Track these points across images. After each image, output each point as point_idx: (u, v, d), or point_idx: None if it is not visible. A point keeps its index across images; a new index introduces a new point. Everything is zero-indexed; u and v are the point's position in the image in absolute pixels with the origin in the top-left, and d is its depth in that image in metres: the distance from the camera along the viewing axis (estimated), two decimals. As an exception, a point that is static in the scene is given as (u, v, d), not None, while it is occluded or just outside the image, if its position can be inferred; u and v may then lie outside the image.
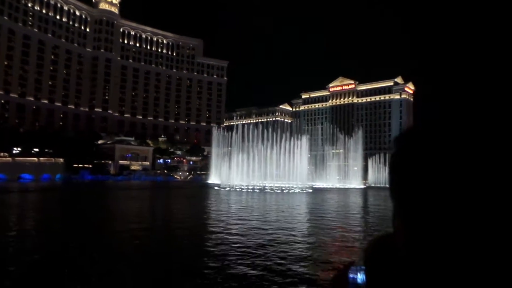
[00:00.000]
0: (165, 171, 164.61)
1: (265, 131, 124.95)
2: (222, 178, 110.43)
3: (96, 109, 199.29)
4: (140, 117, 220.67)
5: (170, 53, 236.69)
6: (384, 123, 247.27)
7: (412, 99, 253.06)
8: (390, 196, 0.61)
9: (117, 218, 30.29)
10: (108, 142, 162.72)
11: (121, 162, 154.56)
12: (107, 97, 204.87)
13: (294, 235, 20.55)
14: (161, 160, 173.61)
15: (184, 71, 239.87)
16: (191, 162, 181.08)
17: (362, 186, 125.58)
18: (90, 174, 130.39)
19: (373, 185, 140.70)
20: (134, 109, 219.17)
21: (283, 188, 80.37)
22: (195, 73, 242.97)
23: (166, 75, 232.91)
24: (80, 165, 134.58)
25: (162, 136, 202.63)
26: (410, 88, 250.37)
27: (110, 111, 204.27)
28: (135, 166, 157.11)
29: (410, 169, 0.57)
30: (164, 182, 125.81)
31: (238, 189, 76.54)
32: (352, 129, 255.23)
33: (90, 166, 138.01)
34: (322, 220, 29.52)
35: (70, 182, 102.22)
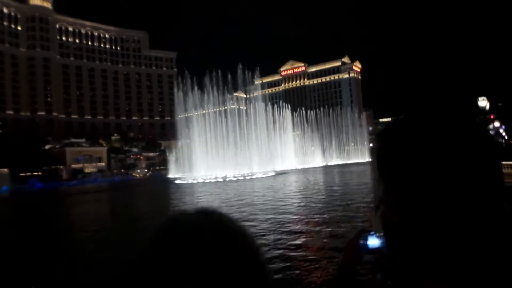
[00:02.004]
0: (122, 170, 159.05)
1: (221, 120, 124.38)
2: (182, 171, 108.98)
3: (39, 113, 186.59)
4: (89, 117, 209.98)
5: (114, 47, 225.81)
6: (336, 102, 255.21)
7: (359, 77, 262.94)
8: (377, 183, 0.69)
9: (70, 225, 29.04)
10: (57, 146, 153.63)
11: (73, 166, 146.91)
12: (49, 99, 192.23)
13: (256, 213, 20.91)
14: (117, 160, 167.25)
15: (131, 66, 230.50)
16: (148, 159, 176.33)
17: (321, 165, 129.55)
18: (40, 181, 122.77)
19: (330, 163, 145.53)
20: (81, 109, 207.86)
21: (245, 175, 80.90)
22: (143, 67, 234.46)
23: (112, 71, 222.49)
24: (27, 174, 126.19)
25: (115, 134, 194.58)
26: (357, 66, 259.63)
27: (55, 114, 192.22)
28: (90, 168, 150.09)
29: (395, 159, 0.67)
30: (122, 182, 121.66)
31: (200, 181, 75.90)
32: (306, 110, 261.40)
33: (39, 173, 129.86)
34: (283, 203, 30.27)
35: (18, 192, 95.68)
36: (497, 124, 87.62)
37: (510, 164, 18.15)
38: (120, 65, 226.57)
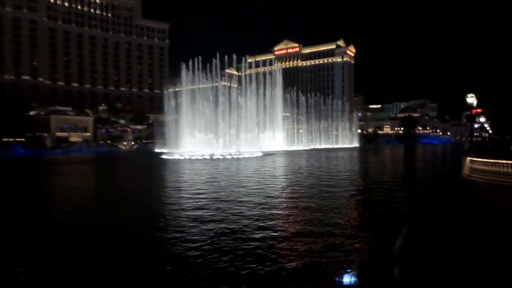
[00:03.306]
0: (108, 142, 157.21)
1: (212, 97, 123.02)
2: (170, 146, 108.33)
3: (23, 77, 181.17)
4: (76, 84, 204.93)
5: (104, 14, 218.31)
6: (328, 86, 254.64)
7: (353, 62, 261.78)
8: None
9: (51, 197, 28.77)
10: (42, 113, 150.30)
11: (58, 134, 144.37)
12: (35, 63, 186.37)
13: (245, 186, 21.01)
14: (103, 130, 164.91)
15: (122, 34, 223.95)
16: (136, 131, 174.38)
17: (309, 148, 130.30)
18: (23, 148, 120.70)
19: (317, 147, 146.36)
20: (68, 76, 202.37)
21: (233, 154, 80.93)
22: (134, 36, 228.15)
23: (101, 38, 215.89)
24: (10, 139, 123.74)
25: (103, 104, 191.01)
26: (351, 51, 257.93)
27: (40, 79, 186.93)
28: (75, 137, 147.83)
29: None
30: (108, 153, 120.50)
31: (186, 157, 75.61)
32: (297, 92, 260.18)
33: (23, 140, 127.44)
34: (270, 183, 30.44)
35: (0, 158, 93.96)
36: (482, 119, 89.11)
37: (509, 164, 18.50)
38: (110, 32, 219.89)
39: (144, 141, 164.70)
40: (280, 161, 64.04)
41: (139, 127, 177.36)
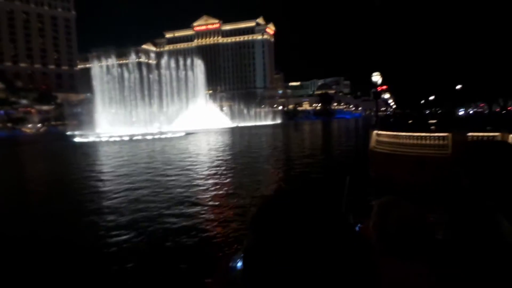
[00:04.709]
0: (9, 125, 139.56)
1: (128, 73, 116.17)
2: (83, 128, 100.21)
3: None
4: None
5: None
6: (249, 63, 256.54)
7: (273, 40, 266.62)
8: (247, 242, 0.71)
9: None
10: None
11: None
12: None
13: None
14: (2, 112, 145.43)
15: (17, 2, 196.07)
16: (42, 112, 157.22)
17: (231, 126, 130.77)
18: None
19: (240, 125, 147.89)
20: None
21: (154, 134, 78.09)
22: (33, 5, 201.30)
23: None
24: None
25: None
26: (271, 29, 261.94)
27: None
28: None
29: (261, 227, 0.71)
30: (8, 138, 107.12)
31: (103, 140, 70.86)
32: (219, 69, 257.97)
33: None
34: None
35: None
36: (387, 95, 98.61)
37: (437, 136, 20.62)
38: (2, 0, 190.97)
39: (53, 123, 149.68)
40: (204, 140, 63.75)
41: (45, 107, 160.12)
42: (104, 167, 32.15)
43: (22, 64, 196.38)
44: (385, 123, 41.64)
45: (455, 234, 1.44)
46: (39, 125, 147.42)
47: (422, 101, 78.02)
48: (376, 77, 30.27)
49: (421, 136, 20.59)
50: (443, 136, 19.63)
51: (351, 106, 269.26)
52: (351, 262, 0.63)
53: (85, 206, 17.39)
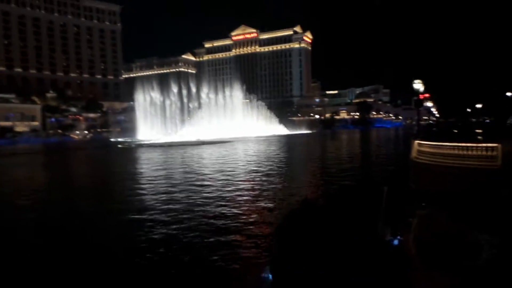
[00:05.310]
0: (59, 131, 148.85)
1: (170, 82, 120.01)
2: (126, 134, 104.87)
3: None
4: (20, 70, 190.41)
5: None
6: (286, 72, 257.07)
7: (310, 48, 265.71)
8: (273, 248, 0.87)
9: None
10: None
11: (1, 123, 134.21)
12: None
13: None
14: (53, 119, 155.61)
15: (69, 16, 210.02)
16: (89, 120, 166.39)
17: (267, 135, 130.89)
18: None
19: (278, 133, 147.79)
20: (9, 61, 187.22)
21: (193, 141, 79.97)
22: (83, 19, 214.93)
23: (46, 20, 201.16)
24: None
25: (51, 91, 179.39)
26: (308, 37, 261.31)
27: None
28: (21, 127, 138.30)
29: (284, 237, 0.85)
30: (59, 144, 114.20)
31: (144, 146, 73.65)
32: (256, 78, 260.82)
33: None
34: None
35: None
36: (429, 103, 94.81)
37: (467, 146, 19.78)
38: (56, 14, 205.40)
39: (98, 130, 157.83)
40: (241, 148, 64.40)
41: (92, 115, 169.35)
42: (143, 169, 33.45)
43: (72, 74, 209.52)
44: (428, 133, 40.01)
45: (504, 257, 1.37)
46: (85, 131, 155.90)
47: (468, 110, 74.28)
48: (418, 85, 29.30)
49: (467, 147, 19.59)
50: (492, 147, 18.56)
51: (391, 115, 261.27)
52: (374, 276, 0.68)
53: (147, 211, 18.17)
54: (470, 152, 19.36)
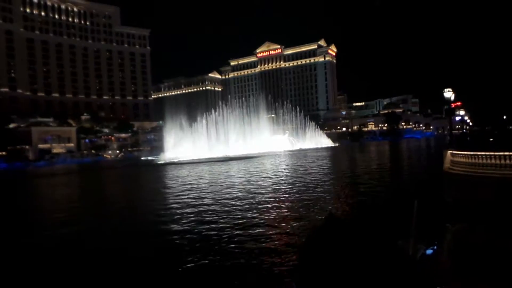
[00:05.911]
0: (93, 151, 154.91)
1: (197, 101, 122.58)
2: (156, 153, 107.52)
3: (2, 89, 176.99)
4: (57, 95, 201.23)
5: (83, 22, 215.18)
6: (311, 86, 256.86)
7: (335, 61, 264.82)
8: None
9: (42, 210, 28.45)
10: (22, 125, 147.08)
11: (40, 146, 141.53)
12: (13, 74, 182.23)
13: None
14: (87, 140, 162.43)
15: (102, 42, 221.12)
16: (120, 139, 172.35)
17: (294, 149, 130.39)
18: (5, 161, 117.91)
19: (303, 147, 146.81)
20: (48, 87, 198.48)
21: (221, 157, 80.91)
22: (115, 44, 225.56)
23: (81, 47, 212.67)
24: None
25: (85, 114, 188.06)
26: (332, 50, 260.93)
27: (19, 90, 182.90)
28: (58, 149, 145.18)
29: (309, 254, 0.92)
30: (93, 163, 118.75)
31: (174, 164, 75.22)
32: (281, 93, 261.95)
33: (4, 153, 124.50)
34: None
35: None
36: (462, 112, 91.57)
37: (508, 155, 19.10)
38: (90, 41, 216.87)
39: (129, 149, 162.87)
40: (285, 163, 64.40)
41: (123, 135, 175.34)
42: (173, 185, 34.12)
43: (105, 97, 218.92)
44: (462, 142, 38.53)
45: None
46: (117, 151, 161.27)
47: (505, 117, 70.99)
48: (449, 93, 28.48)
49: (505, 156, 18.72)
50: (531, 155, 17.65)
51: (421, 125, 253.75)
52: None
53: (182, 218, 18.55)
54: (508, 162, 18.49)
